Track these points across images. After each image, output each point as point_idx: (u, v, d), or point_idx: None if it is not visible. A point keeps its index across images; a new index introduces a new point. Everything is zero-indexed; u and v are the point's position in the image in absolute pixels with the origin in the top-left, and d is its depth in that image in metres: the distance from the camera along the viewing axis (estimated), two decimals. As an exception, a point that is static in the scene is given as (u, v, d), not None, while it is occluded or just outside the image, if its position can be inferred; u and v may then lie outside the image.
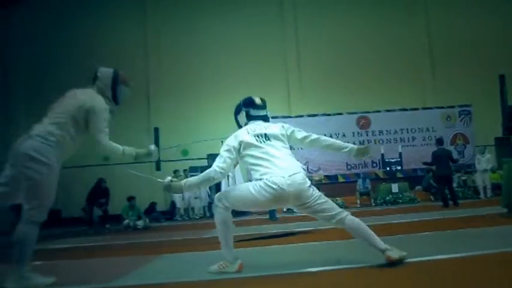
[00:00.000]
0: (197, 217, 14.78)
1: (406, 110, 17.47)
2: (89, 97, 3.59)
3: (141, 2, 18.85)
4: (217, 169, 3.52)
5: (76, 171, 13.81)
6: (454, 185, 12.87)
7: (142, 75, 17.58)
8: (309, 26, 18.36)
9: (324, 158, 16.29)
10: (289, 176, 3.39)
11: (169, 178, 3.64)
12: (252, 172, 3.58)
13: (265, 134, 3.63)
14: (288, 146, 3.68)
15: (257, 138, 3.59)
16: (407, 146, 17.01)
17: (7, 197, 3.46)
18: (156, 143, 16.66)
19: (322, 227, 6.37)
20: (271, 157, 3.49)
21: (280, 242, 5.74)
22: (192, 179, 3.64)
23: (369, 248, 3.42)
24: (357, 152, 3.68)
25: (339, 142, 3.76)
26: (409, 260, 3.44)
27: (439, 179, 11.20)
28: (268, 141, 3.59)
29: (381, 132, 17.34)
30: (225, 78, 17.42)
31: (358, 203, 14.37)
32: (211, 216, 3.91)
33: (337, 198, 13.29)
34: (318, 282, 3.17)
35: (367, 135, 17.31)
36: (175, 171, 13.31)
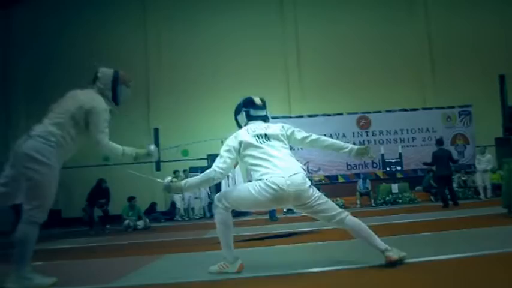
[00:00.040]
0: (197, 217, 14.79)
1: (406, 110, 17.47)
2: (89, 98, 3.59)
3: (141, 3, 18.87)
4: (217, 169, 3.51)
5: (76, 171, 13.82)
6: (454, 185, 12.88)
7: (142, 76, 17.59)
8: (309, 26, 18.38)
9: (324, 158, 16.28)
10: (289, 176, 3.39)
11: (169, 178, 3.64)
12: (252, 172, 3.57)
13: (265, 134, 3.63)
14: (288, 146, 3.67)
15: (257, 138, 3.59)
16: (408, 146, 17.01)
17: (7, 198, 3.47)
18: (156, 144, 16.65)
19: (322, 228, 6.37)
20: (271, 157, 3.49)
21: (280, 242, 5.74)
22: (191, 180, 3.64)
23: (369, 248, 3.42)
24: (356, 153, 3.67)
25: (338, 142, 3.76)
26: (410, 260, 3.44)
27: (439, 180, 11.20)
28: (268, 142, 3.59)
29: (381, 132, 17.33)
30: (225, 78, 17.43)
31: (358, 203, 14.36)
32: (211, 216, 3.91)
33: (337, 199, 13.30)
34: (318, 283, 3.17)
35: (367, 135, 17.31)
36: (175, 172, 13.30)
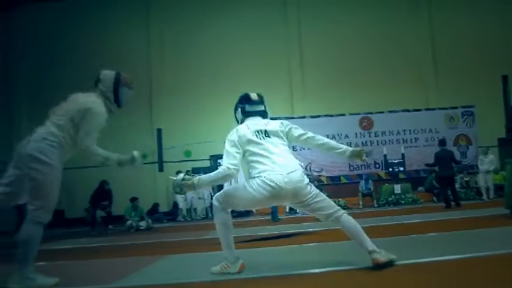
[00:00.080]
0: (199, 218, 14.79)
1: (408, 110, 17.45)
2: (88, 101, 3.62)
3: (144, 4, 18.89)
4: (231, 166, 3.46)
5: (79, 172, 13.81)
6: (457, 186, 12.84)
7: (145, 76, 17.61)
8: (312, 27, 18.37)
9: (327, 159, 16.25)
10: (287, 173, 3.38)
11: (181, 175, 3.63)
12: (250, 170, 3.57)
13: (265, 131, 3.61)
14: (286, 143, 3.65)
15: (257, 134, 3.57)
16: (410, 146, 16.99)
17: (11, 198, 3.49)
18: (159, 144, 16.70)
19: (323, 228, 6.37)
20: (270, 154, 3.48)
21: (282, 243, 5.75)
22: (204, 177, 3.59)
23: (360, 249, 3.41)
24: (351, 154, 3.62)
25: (333, 142, 3.72)
26: (411, 261, 3.45)
27: (442, 180, 11.19)
28: (267, 138, 3.57)
29: (383, 133, 17.31)
30: (227, 79, 17.43)
31: (361, 204, 14.33)
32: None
33: (340, 199, 13.27)
34: (319, 283, 3.17)
35: (369, 136, 17.29)
36: (177, 172, 13.30)
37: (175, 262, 4.76)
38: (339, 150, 3.65)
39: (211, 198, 14.40)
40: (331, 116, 17.31)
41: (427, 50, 18.44)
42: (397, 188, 14.38)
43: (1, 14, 17.88)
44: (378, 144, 16.85)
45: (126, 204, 12.26)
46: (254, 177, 3.43)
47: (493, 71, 16.39)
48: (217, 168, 3.64)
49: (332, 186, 16.06)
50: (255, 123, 3.68)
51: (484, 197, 13.49)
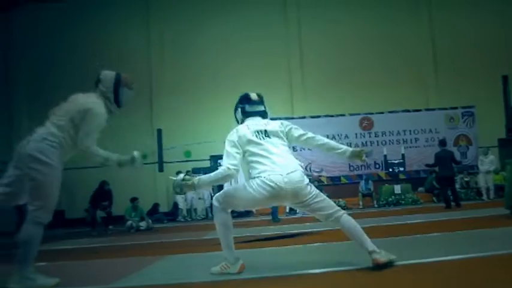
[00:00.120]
0: (199, 218, 14.79)
1: (409, 111, 17.45)
2: (89, 101, 3.62)
3: (144, 4, 18.89)
4: (231, 167, 3.45)
5: (79, 172, 13.82)
6: (457, 186, 12.84)
7: (145, 77, 17.61)
8: (312, 27, 18.37)
9: (327, 159, 16.23)
10: (287, 173, 3.38)
11: (181, 175, 3.63)
12: (250, 170, 3.57)
13: (265, 131, 3.60)
14: (286, 143, 3.65)
15: (257, 134, 3.57)
16: (410, 147, 17.00)
17: (11, 198, 3.49)
18: (159, 144, 16.70)
19: (324, 229, 6.37)
20: (269, 154, 3.47)
21: (282, 243, 5.75)
22: (204, 177, 3.59)
23: (360, 249, 3.41)
24: (351, 154, 3.62)
25: (333, 143, 3.73)
26: (412, 261, 3.45)
27: (442, 180, 11.19)
28: (267, 138, 3.57)
29: (383, 133, 17.32)
30: (228, 79, 17.42)
31: (361, 204, 14.33)
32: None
33: (340, 200, 13.28)
34: (318, 284, 3.17)
35: (370, 136, 17.29)
36: (177, 173, 13.30)
37: (176, 262, 4.76)
38: (339, 151, 3.65)
39: (211, 199, 14.38)
40: (331, 116, 17.32)
41: (427, 50, 18.44)
42: (397, 189, 14.37)
43: (1, 14, 17.88)
44: (378, 145, 16.86)
45: (126, 204, 12.26)
46: (254, 178, 3.43)
47: (493, 71, 16.40)
48: (217, 169, 3.64)
49: (332, 186, 16.07)
50: (255, 123, 3.67)
51: (484, 197, 13.49)
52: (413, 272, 3.22)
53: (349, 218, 3.46)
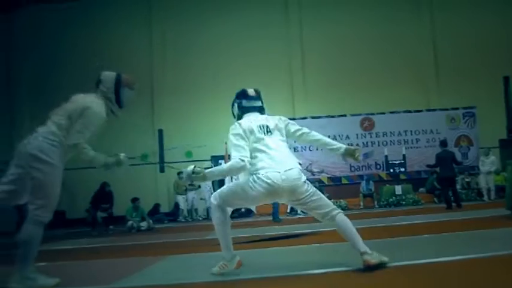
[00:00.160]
0: (200, 218, 14.79)
1: (410, 111, 17.43)
2: (88, 100, 3.63)
3: (146, 4, 18.89)
4: (244, 158, 3.41)
5: (80, 172, 13.82)
6: (458, 187, 12.83)
7: (146, 77, 17.60)
8: (313, 28, 18.36)
9: (328, 159, 16.23)
10: (285, 171, 3.38)
11: (191, 167, 3.51)
12: (248, 165, 3.56)
13: (267, 126, 3.61)
14: (285, 139, 3.66)
15: (259, 129, 3.57)
16: (411, 147, 16.98)
17: (12, 197, 3.50)
18: (160, 145, 16.71)
19: (324, 229, 6.35)
20: (268, 149, 3.48)
21: (282, 243, 5.75)
22: (214, 169, 3.61)
23: (352, 250, 3.41)
24: (345, 152, 3.64)
25: (328, 139, 3.74)
26: (412, 262, 3.44)
27: (443, 181, 11.18)
28: (269, 134, 3.57)
29: (384, 134, 17.30)
30: (229, 79, 17.36)
31: (362, 205, 14.34)
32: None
33: (341, 200, 13.30)
34: (318, 284, 3.17)
35: (370, 137, 17.28)
36: (179, 173, 13.32)
37: (177, 262, 4.77)
38: (333, 147, 3.68)
39: (212, 199, 14.27)
40: (333, 116, 17.31)
41: (428, 51, 18.41)
42: (398, 189, 14.37)
43: (3, 15, 17.91)
44: (379, 145, 16.87)
45: (127, 204, 12.26)
46: (252, 174, 3.43)
47: (494, 71, 16.40)
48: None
49: (333, 187, 16.07)
50: (255, 118, 3.67)
51: (485, 198, 13.49)
52: (414, 273, 3.21)
53: (345, 217, 3.46)
